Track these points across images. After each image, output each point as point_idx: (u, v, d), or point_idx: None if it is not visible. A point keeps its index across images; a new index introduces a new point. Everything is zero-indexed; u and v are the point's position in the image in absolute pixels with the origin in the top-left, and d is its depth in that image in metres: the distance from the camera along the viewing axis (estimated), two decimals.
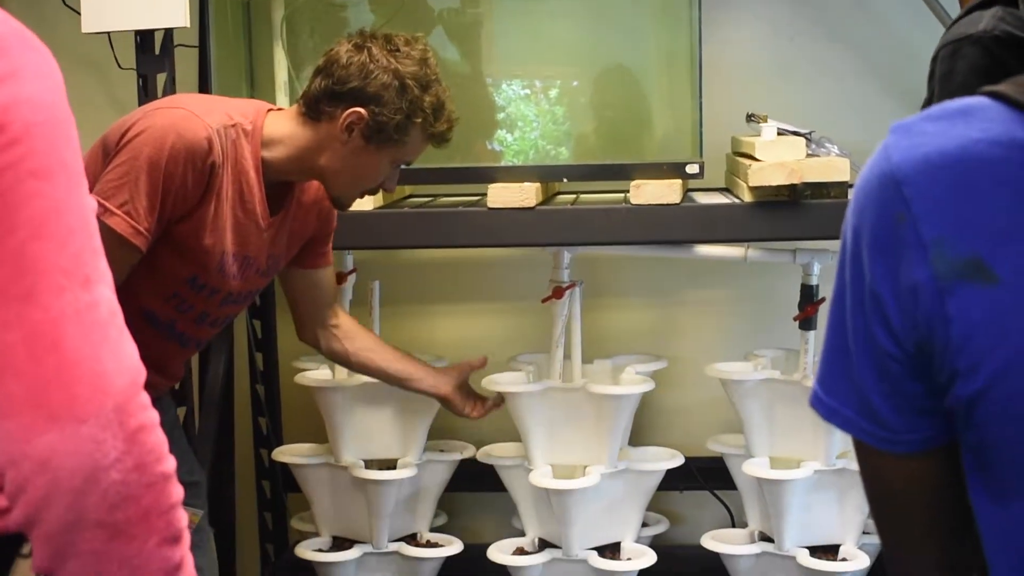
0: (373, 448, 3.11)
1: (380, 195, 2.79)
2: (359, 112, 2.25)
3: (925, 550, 1.14)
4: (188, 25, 2.79)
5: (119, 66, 3.08)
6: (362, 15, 3.11)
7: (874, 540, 2.90)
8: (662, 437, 3.34)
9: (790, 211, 2.73)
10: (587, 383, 2.94)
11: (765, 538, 3.01)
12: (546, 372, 3.03)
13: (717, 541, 3.01)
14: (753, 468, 2.92)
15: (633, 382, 2.97)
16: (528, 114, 3.14)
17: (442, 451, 3.18)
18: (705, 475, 3.27)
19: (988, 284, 0.98)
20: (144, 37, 2.84)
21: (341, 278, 3.01)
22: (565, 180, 3.06)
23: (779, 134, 2.77)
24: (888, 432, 1.07)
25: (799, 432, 2.89)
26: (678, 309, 3.55)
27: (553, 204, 2.96)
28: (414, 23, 2.98)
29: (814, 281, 2.90)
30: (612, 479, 2.95)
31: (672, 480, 3.09)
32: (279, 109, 2.40)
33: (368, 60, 2.25)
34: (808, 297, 2.90)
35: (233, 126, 2.23)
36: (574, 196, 3.18)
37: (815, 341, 2.88)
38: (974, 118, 1.01)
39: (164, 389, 2.47)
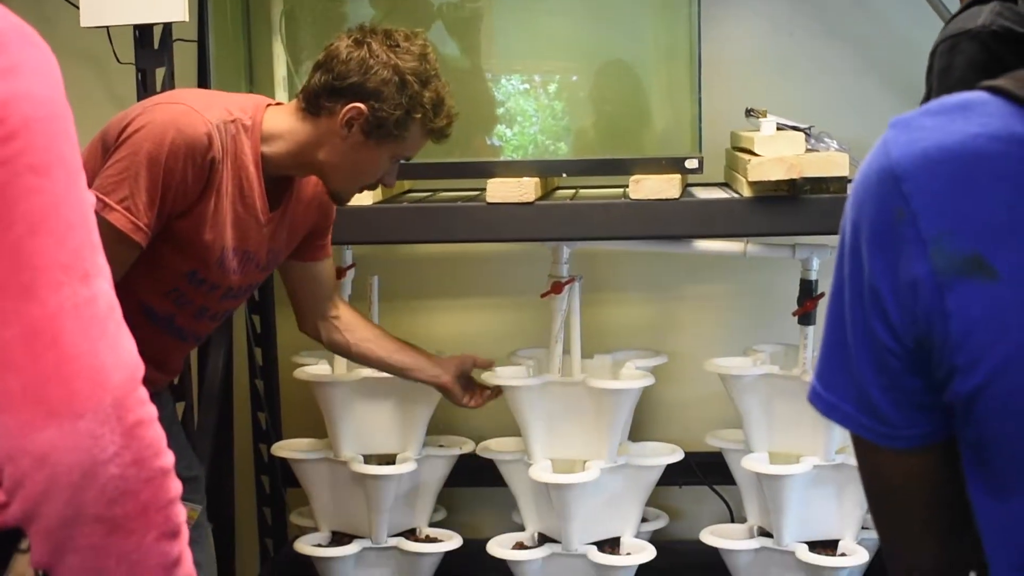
0: (372, 443, 3.11)
1: (379, 190, 2.80)
2: (359, 107, 2.25)
3: (924, 546, 1.14)
4: (187, 20, 2.79)
5: (118, 61, 3.07)
6: (361, 10, 3.10)
7: (873, 535, 2.90)
8: (661, 432, 3.34)
9: (789, 206, 2.73)
10: (587, 378, 2.94)
11: (764, 533, 3.01)
12: (546, 367, 3.03)
13: (716, 536, 3.01)
14: (752, 463, 2.92)
15: (633, 377, 2.97)
16: (527, 109, 3.14)
17: (441, 446, 3.19)
18: (704, 470, 3.27)
19: (988, 280, 0.98)
20: (143, 32, 2.84)
21: (340, 273, 3.01)
22: (564, 175, 3.06)
23: (778, 129, 2.77)
24: (887, 427, 1.07)
25: (798, 427, 2.90)
26: (677, 304, 3.55)
27: (552, 199, 2.96)
28: (413, 18, 2.98)
29: (813, 276, 2.90)
30: (612, 474, 2.95)
31: (671, 475, 3.10)
32: (278, 104, 2.40)
33: (368, 55, 2.25)
34: (807, 292, 2.90)
35: (233, 121, 2.23)
36: (573, 191, 3.17)
37: (814, 336, 2.88)
38: (973, 113, 1.01)
39: (162, 384, 2.47)
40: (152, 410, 1.04)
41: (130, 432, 1.01)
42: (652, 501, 3.14)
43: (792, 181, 2.70)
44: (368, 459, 3.09)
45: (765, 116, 2.81)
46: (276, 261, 2.48)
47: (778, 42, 3.43)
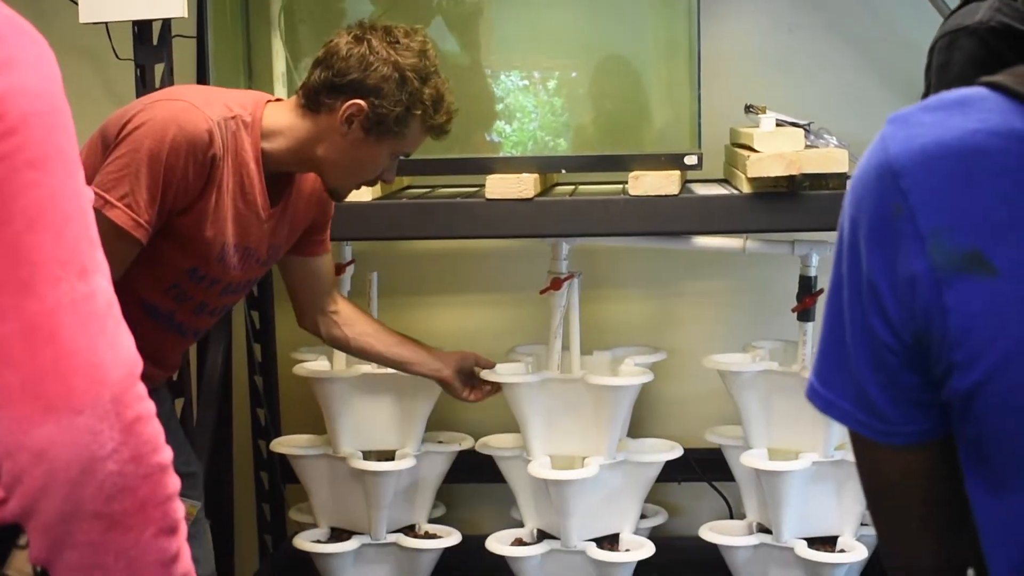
0: (371, 439, 3.11)
1: (378, 186, 2.80)
2: (359, 104, 2.25)
3: (921, 543, 1.14)
4: (186, 15, 2.79)
5: (117, 57, 3.07)
6: (360, 6, 3.10)
7: (872, 532, 2.89)
8: (660, 429, 3.34)
9: (788, 202, 2.73)
10: (586, 374, 2.94)
11: (763, 529, 3.02)
12: (545, 363, 3.03)
13: (715, 532, 3.01)
14: (751, 459, 2.92)
15: (632, 373, 2.97)
16: (527, 105, 3.14)
17: (440, 442, 3.19)
18: (703, 466, 3.27)
19: (987, 276, 0.98)
20: (142, 27, 2.84)
21: (339, 269, 3.01)
22: (563, 171, 3.06)
23: (778, 125, 2.77)
24: (885, 424, 1.07)
25: (797, 423, 2.90)
26: (676, 300, 3.55)
27: (551, 195, 2.96)
28: (413, 14, 2.97)
29: (812, 272, 2.90)
30: (611, 470, 2.95)
31: (670, 471, 3.10)
32: (278, 100, 2.39)
33: (368, 52, 2.25)
34: (806, 288, 2.90)
35: (233, 118, 2.23)
36: (572, 187, 3.17)
37: (813, 332, 2.88)
38: (972, 109, 1.01)
39: (161, 380, 2.47)
40: (150, 406, 1.04)
41: (128, 428, 1.01)
42: (651, 497, 3.14)
43: (791, 177, 2.70)
44: (367, 455, 3.09)
45: (764, 112, 2.81)
46: (276, 256, 2.48)
47: (777, 38, 3.43)
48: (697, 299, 3.55)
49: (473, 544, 3.10)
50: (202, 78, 3.02)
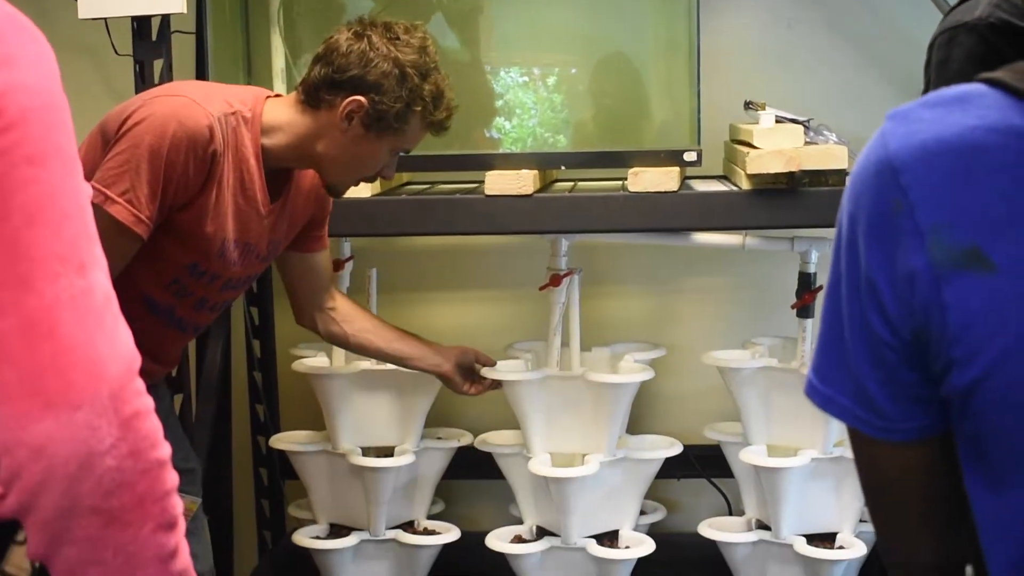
0: (370, 435, 3.11)
1: (378, 182, 2.79)
2: (359, 100, 2.25)
3: (920, 540, 1.14)
4: (185, 11, 2.79)
5: (116, 52, 3.07)
6: (360, 2, 3.10)
7: (871, 528, 2.89)
8: (660, 425, 3.34)
9: (788, 199, 2.73)
10: (586, 371, 2.94)
11: (762, 526, 3.01)
12: (543, 360, 3.03)
13: (714, 529, 3.01)
14: (750, 456, 2.92)
15: (632, 370, 2.97)
16: (526, 101, 3.14)
17: (440, 438, 3.19)
18: (702, 463, 3.27)
19: (986, 272, 0.98)
20: (141, 23, 2.84)
21: (339, 265, 3.01)
22: (563, 168, 3.05)
23: (777, 122, 2.76)
24: (883, 421, 1.07)
25: (796, 420, 2.90)
26: (676, 297, 3.55)
27: (551, 191, 2.96)
28: (413, 10, 2.97)
29: (812, 269, 2.90)
30: (611, 467, 2.95)
31: (670, 468, 3.09)
32: (277, 96, 2.40)
33: (368, 48, 2.25)
34: (806, 285, 2.90)
35: (233, 114, 2.23)
36: (572, 183, 3.17)
37: (813, 329, 2.88)
38: (971, 105, 1.01)
39: (160, 376, 2.47)
40: (149, 401, 1.04)
41: (127, 423, 1.01)
42: (650, 494, 3.14)
43: (791, 174, 2.70)
44: (366, 451, 3.09)
45: (764, 109, 2.81)
46: (276, 252, 2.49)
47: (777, 34, 3.42)
48: (696, 295, 3.55)
49: (472, 540, 3.10)
50: (201, 74, 3.02)
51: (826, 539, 2.95)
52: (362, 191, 2.74)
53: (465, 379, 2.89)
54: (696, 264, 3.49)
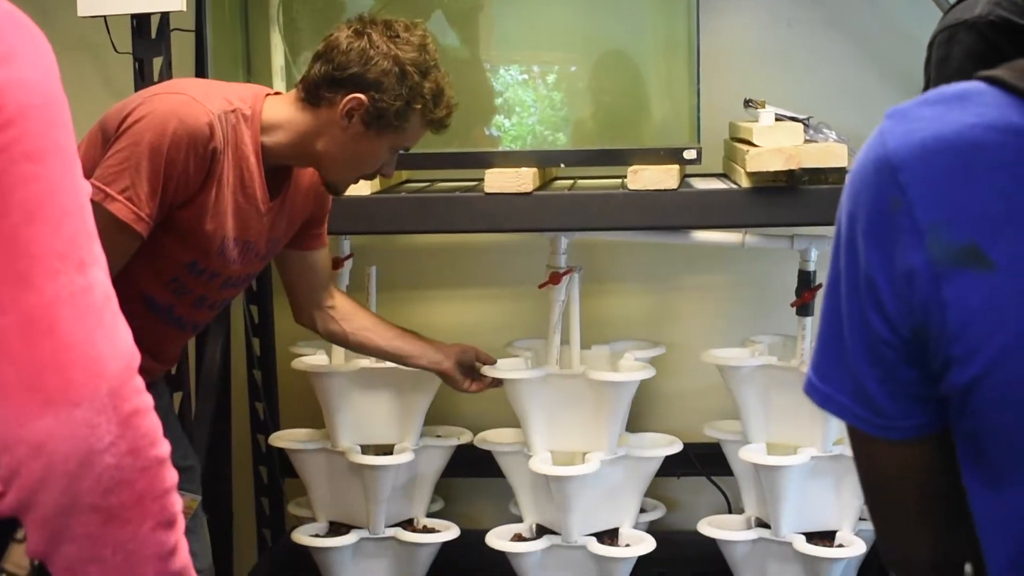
0: (370, 433, 3.11)
1: (377, 180, 2.80)
2: (359, 98, 2.25)
3: (919, 537, 1.13)
4: (184, 9, 2.79)
5: (115, 50, 3.06)
6: (359, 0, 3.10)
7: (870, 526, 2.89)
8: (659, 423, 3.34)
9: (788, 197, 2.73)
10: (587, 370, 2.94)
11: (762, 524, 3.01)
12: (543, 358, 3.03)
13: (714, 527, 3.01)
14: (750, 454, 2.92)
15: (633, 368, 2.97)
16: (526, 99, 3.14)
17: (439, 436, 3.18)
18: (702, 461, 3.27)
19: (985, 270, 0.97)
20: (140, 21, 2.84)
21: (338, 263, 3.01)
22: (562, 165, 3.05)
23: (777, 120, 2.76)
24: (882, 419, 1.07)
25: (796, 418, 2.90)
26: (675, 295, 3.55)
27: (550, 189, 2.96)
28: (412, 8, 2.97)
29: (811, 267, 2.90)
30: (611, 465, 2.95)
31: (669, 466, 3.09)
32: (277, 94, 2.39)
33: (368, 46, 2.25)
34: (805, 283, 2.90)
35: (233, 111, 2.23)
36: (571, 181, 3.17)
37: (812, 327, 2.88)
38: (970, 103, 1.01)
39: (159, 374, 2.47)
40: (148, 399, 1.04)
41: (126, 421, 1.01)
42: (650, 492, 3.14)
43: (790, 172, 2.70)
44: (366, 449, 3.09)
45: (764, 107, 2.81)
46: (275, 250, 2.49)
47: (777, 33, 3.42)
48: (696, 293, 3.55)
49: (471, 538, 3.10)
50: (200, 72, 3.02)
51: (825, 537, 2.95)
52: (361, 189, 2.74)
53: (465, 376, 2.89)
54: (696, 262, 3.49)
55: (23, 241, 0.98)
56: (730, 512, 3.27)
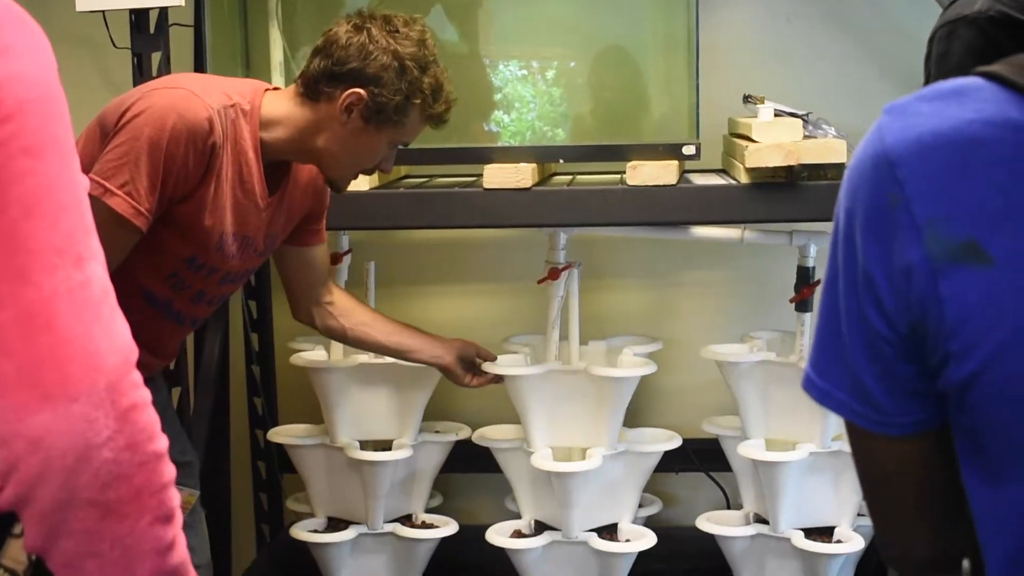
0: (368, 429, 3.11)
1: (376, 175, 2.79)
2: (358, 93, 2.25)
3: (917, 533, 1.13)
4: (183, 4, 2.79)
5: (114, 45, 3.06)
6: None
7: (869, 522, 2.88)
8: (658, 419, 3.33)
9: (787, 192, 2.73)
10: (589, 365, 2.94)
11: (760, 520, 3.01)
12: (541, 353, 3.03)
13: (712, 523, 3.01)
14: (749, 450, 2.92)
15: (633, 364, 2.97)
16: (525, 95, 3.14)
17: (437, 432, 3.18)
18: (701, 457, 3.27)
19: (983, 266, 0.97)
20: (139, 16, 2.83)
21: (336, 259, 3.01)
22: (561, 161, 3.05)
23: (776, 115, 2.76)
24: (881, 415, 1.07)
25: (795, 414, 2.90)
26: (674, 291, 3.55)
27: (549, 185, 2.96)
28: (412, 3, 2.97)
29: (810, 263, 2.90)
30: (611, 460, 2.95)
31: (668, 462, 3.09)
32: (276, 89, 2.39)
33: (367, 41, 2.25)
34: (804, 279, 2.90)
35: (232, 106, 2.23)
36: (570, 177, 3.17)
37: (811, 323, 2.88)
38: (968, 98, 1.01)
39: (157, 369, 2.47)
40: (146, 394, 1.04)
41: (124, 416, 1.01)
42: (649, 488, 3.14)
43: (790, 167, 2.70)
44: (364, 445, 3.09)
45: (763, 102, 2.80)
46: (273, 246, 2.48)
47: (776, 28, 3.42)
48: (695, 289, 3.55)
49: (470, 534, 3.10)
50: (199, 67, 3.01)
51: (824, 533, 2.95)
52: (360, 184, 2.73)
53: (466, 370, 2.89)
54: (695, 258, 3.49)
55: (21, 236, 0.98)
56: (729, 508, 3.27)
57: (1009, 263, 0.97)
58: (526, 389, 2.92)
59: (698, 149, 2.85)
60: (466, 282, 3.61)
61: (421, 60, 2.28)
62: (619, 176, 2.94)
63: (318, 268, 2.67)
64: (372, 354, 2.99)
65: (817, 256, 2.89)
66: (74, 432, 0.99)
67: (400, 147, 2.40)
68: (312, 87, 2.29)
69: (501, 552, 2.98)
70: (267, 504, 3.52)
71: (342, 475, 3.09)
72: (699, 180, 2.96)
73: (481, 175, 2.84)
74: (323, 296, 2.71)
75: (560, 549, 2.97)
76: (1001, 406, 0.99)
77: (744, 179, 2.76)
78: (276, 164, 2.35)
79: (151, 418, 1.04)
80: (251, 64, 3.15)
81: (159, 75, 2.80)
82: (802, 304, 2.90)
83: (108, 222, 2.04)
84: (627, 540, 2.98)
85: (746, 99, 2.93)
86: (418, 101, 2.29)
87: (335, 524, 3.15)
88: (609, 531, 3.01)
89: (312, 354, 3.11)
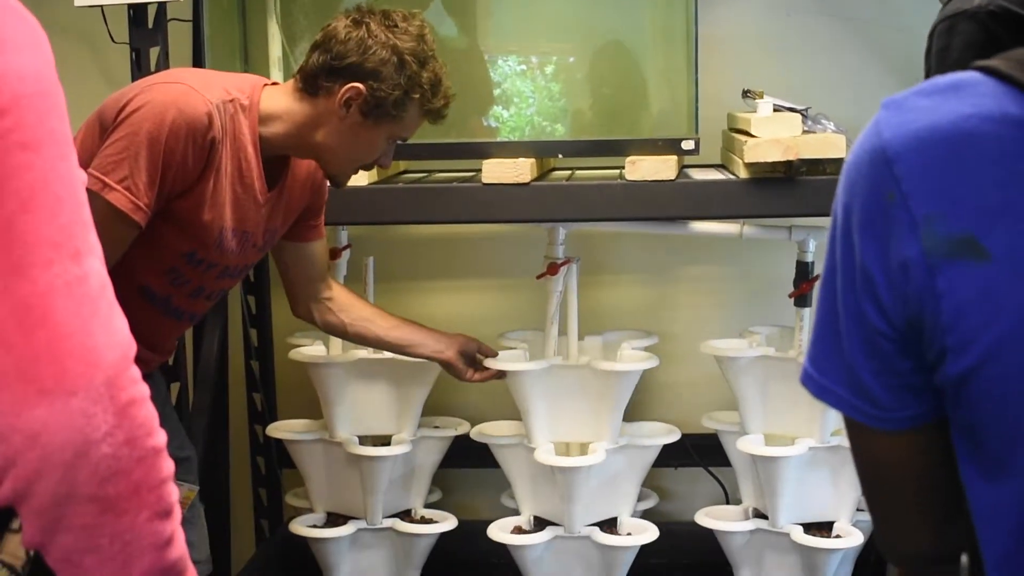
0: (367, 424, 3.11)
1: (375, 171, 2.79)
2: (357, 87, 2.25)
3: (916, 528, 1.13)
4: None
5: (112, 40, 3.06)
6: None
7: (868, 517, 2.88)
8: (657, 414, 3.33)
9: (786, 187, 2.73)
10: (592, 360, 2.94)
11: (759, 515, 3.02)
12: (537, 349, 3.02)
13: (711, 518, 3.01)
14: (747, 445, 2.92)
15: (634, 358, 2.97)
16: (524, 90, 3.14)
17: (436, 427, 3.18)
18: (700, 452, 3.27)
19: (980, 261, 0.97)
20: (137, 11, 2.83)
21: (335, 254, 3.00)
22: (560, 156, 3.05)
23: (775, 110, 2.76)
24: (878, 410, 1.07)
25: (794, 409, 2.90)
26: (673, 286, 3.55)
27: (548, 180, 2.96)
28: None
29: (809, 258, 2.90)
30: (613, 455, 2.95)
31: (667, 456, 3.10)
32: (274, 84, 2.39)
33: (366, 35, 2.25)
34: (803, 274, 2.90)
35: (231, 101, 2.23)
36: (569, 172, 3.17)
37: (810, 318, 2.88)
38: (965, 93, 1.01)
39: (155, 365, 2.47)
40: (144, 389, 1.04)
41: (122, 411, 1.01)
42: (647, 482, 3.14)
43: (789, 163, 2.69)
44: (363, 440, 3.09)
45: (762, 97, 2.80)
46: (272, 241, 2.48)
47: (775, 23, 3.42)
48: (694, 284, 3.55)
49: (469, 529, 3.10)
50: (198, 62, 3.01)
51: (823, 528, 2.95)
52: (359, 179, 2.73)
53: (468, 365, 2.88)
54: (694, 253, 3.49)
55: (18, 230, 0.98)
56: (728, 503, 3.27)
57: (1006, 258, 0.97)
58: (528, 384, 2.92)
59: (697, 144, 2.85)
60: (465, 277, 3.61)
61: (420, 55, 2.28)
62: (618, 171, 2.94)
63: (317, 263, 2.67)
64: (371, 349, 2.99)
65: (816, 251, 2.89)
66: (72, 427, 0.98)
67: (399, 142, 2.40)
68: (311, 82, 2.29)
69: (500, 547, 2.98)
70: (266, 499, 3.52)
71: (341, 470, 3.09)
72: (698, 175, 2.96)
73: (480, 170, 2.84)
74: (322, 292, 2.70)
75: (563, 544, 2.97)
76: (998, 401, 0.99)
77: (743, 174, 2.76)
78: (275, 159, 2.35)
79: (150, 413, 1.04)
80: (250, 59, 3.15)
81: (157, 70, 2.80)
82: (801, 299, 2.91)
83: (107, 217, 2.04)
84: (628, 534, 2.98)
85: (745, 94, 2.92)
86: (417, 96, 2.29)
87: (334, 519, 3.15)
88: (609, 525, 3.01)
89: (311, 349, 3.11)
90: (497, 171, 2.80)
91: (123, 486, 1.01)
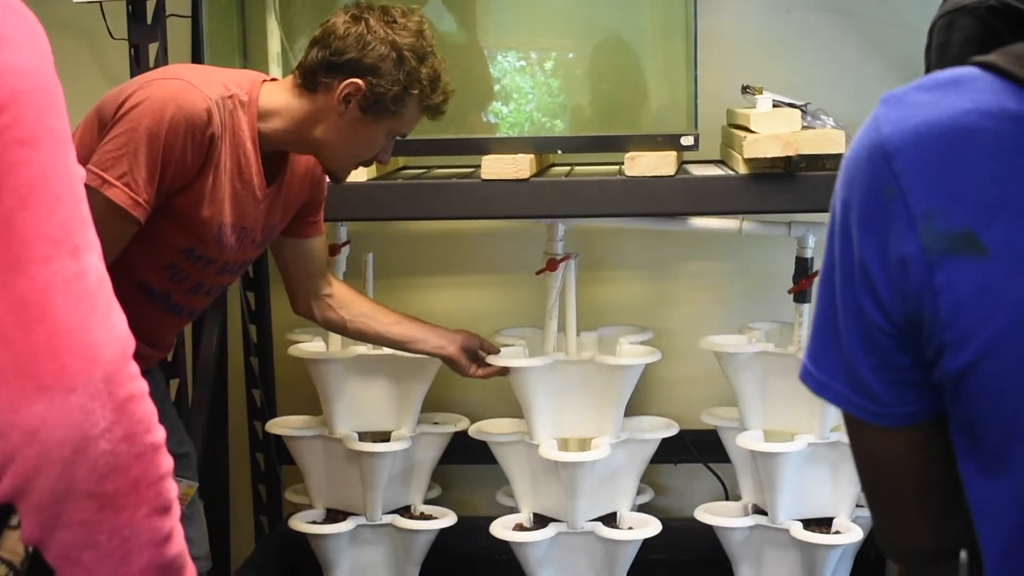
0: (367, 420, 3.11)
1: (374, 167, 2.79)
2: (356, 83, 2.25)
3: (915, 524, 1.13)
4: None
5: (111, 36, 3.06)
6: None
7: (867, 513, 2.88)
8: (656, 409, 3.33)
9: (785, 183, 2.73)
10: (595, 355, 2.94)
11: (759, 511, 3.02)
12: (535, 345, 3.02)
13: (710, 514, 3.01)
14: (747, 441, 2.92)
15: (634, 352, 2.97)
16: (523, 86, 3.13)
17: (436, 423, 3.18)
18: (699, 447, 3.27)
19: (978, 257, 0.97)
20: (136, 7, 2.83)
21: (335, 250, 3.00)
22: (560, 152, 3.05)
23: (774, 106, 2.76)
24: (877, 406, 1.07)
25: (793, 405, 2.90)
26: (673, 281, 3.55)
27: (547, 176, 2.96)
28: None
29: (809, 254, 2.90)
30: (615, 449, 2.94)
31: (666, 452, 3.10)
32: (273, 80, 2.39)
33: (365, 31, 2.25)
34: (803, 270, 2.90)
35: (230, 97, 2.23)
36: (568, 168, 3.17)
37: (809, 314, 2.88)
38: (964, 89, 1.01)
39: (154, 361, 2.47)
40: (143, 385, 1.04)
41: (121, 407, 1.01)
42: (647, 478, 3.14)
43: (788, 158, 2.69)
44: (363, 436, 3.09)
45: (761, 93, 2.80)
46: (271, 236, 2.48)
47: (775, 18, 3.41)
48: (693, 280, 3.55)
49: (468, 525, 3.10)
50: (197, 58, 3.01)
51: (822, 524, 2.95)
52: (358, 175, 2.73)
53: (471, 361, 2.88)
54: (693, 249, 3.49)
55: (16, 226, 0.98)
56: (727, 499, 3.27)
57: (1004, 254, 0.97)
58: (532, 380, 2.92)
59: (696, 140, 2.85)
60: (464, 273, 3.61)
61: (419, 50, 2.28)
62: (617, 167, 2.94)
63: (316, 260, 2.67)
64: (370, 345, 2.99)
65: (815, 247, 2.89)
66: (71, 423, 0.98)
67: (398, 138, 2.39)
68: (310, 78, 2.29)
69: (500, 543, 2.98)
70: (266, 495, 3.52)
71: (341, 466, 3.09)
72: (697, 171, 2.95)
73: (479, 166, 2.84)
74: (322, 288, 2.70)
75: (566, 540, 2.97)
76: (996, 396, 0.99)
77: (742, 170, 2.76)
78: (274, 155, 2.35)
79: (148, 409, 1.03)
80: (249, 55, 3.14)
81: (156, 66, 2.80)
82: (800, 295, 2.90)
83: (106, 213, 2.04)
84: (629, 528, 2.98)
85: (744, 89, 2.92)
86: (416, 92, 2.29)
87: (334, 515, 3.15)
88: (609, 520, 3.01)
89: (310, 345, 3.11)
90: (496, 167, 2.80)
91: (122, 482, 1.01)
